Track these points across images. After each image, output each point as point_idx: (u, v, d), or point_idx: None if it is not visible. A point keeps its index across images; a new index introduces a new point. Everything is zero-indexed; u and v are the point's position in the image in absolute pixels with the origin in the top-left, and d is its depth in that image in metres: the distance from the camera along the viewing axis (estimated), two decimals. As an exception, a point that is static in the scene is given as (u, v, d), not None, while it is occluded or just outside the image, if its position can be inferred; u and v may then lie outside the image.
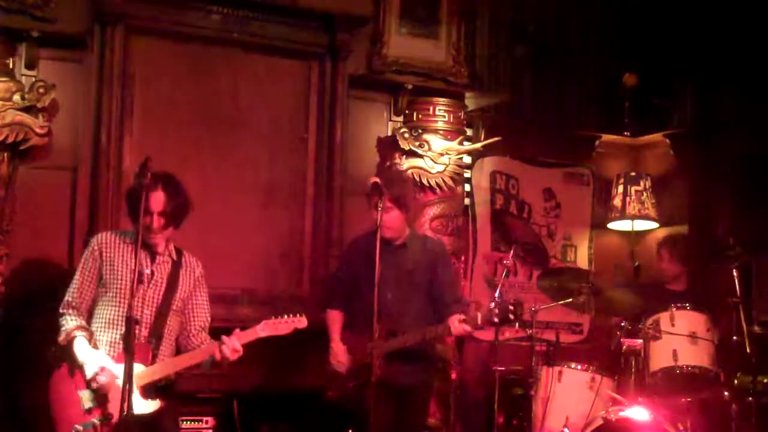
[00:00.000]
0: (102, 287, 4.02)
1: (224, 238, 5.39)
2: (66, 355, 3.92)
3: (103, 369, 3.83)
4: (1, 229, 4.93)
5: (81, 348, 3.89)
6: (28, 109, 4.96)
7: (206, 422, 5.14)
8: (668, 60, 6.80)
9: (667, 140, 6.79)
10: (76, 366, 3.88)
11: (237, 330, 4.05)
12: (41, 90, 5.00)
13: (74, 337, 3.91)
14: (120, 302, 3.97)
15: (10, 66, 5.04)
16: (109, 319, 3.98)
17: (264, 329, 4.09)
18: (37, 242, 5.08)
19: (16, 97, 4.94)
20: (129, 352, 3.54)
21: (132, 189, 3.96)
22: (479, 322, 4.38)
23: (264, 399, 5.31)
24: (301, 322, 4.15)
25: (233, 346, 3.99)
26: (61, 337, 3.94)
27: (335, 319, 4.71)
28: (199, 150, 5.44)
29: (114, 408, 3.77)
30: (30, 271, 5.02)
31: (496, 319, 4.36)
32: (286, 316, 4.14)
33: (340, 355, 4.58)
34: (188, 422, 5.05)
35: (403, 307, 4.56)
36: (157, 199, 3.92)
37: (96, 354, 3.89)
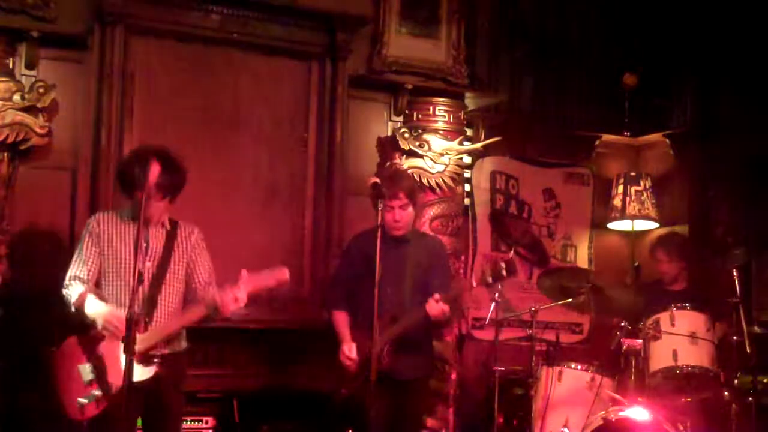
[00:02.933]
0: (103, 264, 4.07)
1: (224, 237, 5.37)
2: (78, 317, 3.98)
3: (112, 316, 3.88)
4: (1, 229, 4.93)
5: (91, 304, 3.95)
6: (28, 109, 4.96)
7: (206, 422, 5.14)
8: (668, 60, 6.80)
9: (667, 140, 6.79)
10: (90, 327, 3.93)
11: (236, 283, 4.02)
12: (41, 90, 5.00)
13: (85, 297, 3.97)
14: (122, 277, 4.03)
15: (10, 66, 5.04)
16: (112, 295, 4.03)
17: (247, 283, 4.05)
18: (37, 242, 5.07)
19: (16, 97, 4.95)
20: (129, 353, 3.54)
21: (124, 164, 4.05)
22: (474, 283, 4.50)
23: (264, 399, 5.31)
24: (283, 273, 4.11)
25: (234, 295, 3.98)
26: (74, 302, 3.98)
27: (342, 320, 4.71)
28: (199, 150, 5.43)
29: (113, 378, 3.85)
30: (30, 270, 5.02)
31: (490, 279, 4.47)
32: (265, 270, 4.11)
33: (351, 353, 4.57)
34: (188, 422, 5.04)
35: (403, 302, 4.58)
36: (153, 171, 3.94)
37: (105, 306, 3.95)
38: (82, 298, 3.98)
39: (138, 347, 3.80)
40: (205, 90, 5.50)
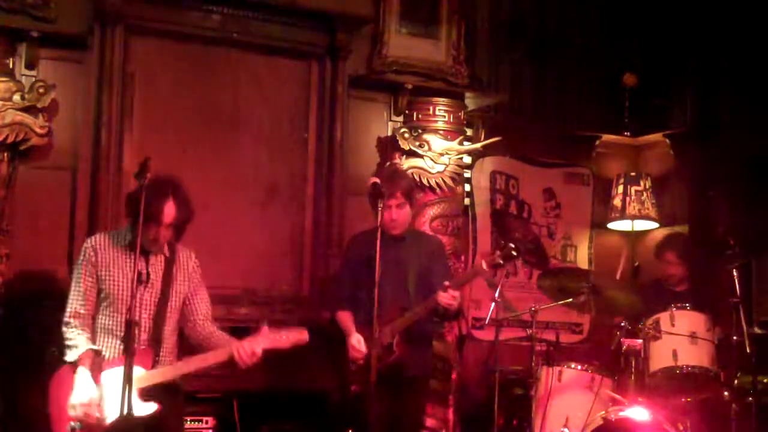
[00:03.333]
0: (99, 294, 3.97)
1: (224, 238, 5.39)
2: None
3: (86, 406, 3.77)
4: (1, 229, 4.93)
5: (81, 379, 3.81)
6: (28, 109, 4.96)
7: (206, 422, 5.13)
8: (668, 60, 6.80)
9: (667, 140, 6.79)
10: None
11: (254, 336, 3.96)
12: (41, 90, 5.00)
13: (78, 366, 3.83)
14: (118, 309, 3.94)
15: (10, 66, 5.04)
16: (108, 327, 3.95)
17: (267, 341, 3.98)
18: (37, 242, 5.07)
19: (16, 97, 4.95)
20: (129, 354, 3.54)
21: (136, 193, 3.78)
22: (485, 266, 4.50)
23: (264, 399, 5.31)
24: (303, 337, 4.04)
25: (252, 349, 3.91)
26: (71, 356, 3.86)
27: (346, 318, 4.71)
28: (199, 150, 5.44)
29: (110, 410, 3.79)
30: (30, 271, 5.02)
31: (500, 260, 4.49)
32: (285, 331, 4.04)
33: (360, 344, 4.56)
34: (188, 422, 5.04)
35: (405, 300, 4.58)
36: (169, 211, 3.85)
37: (90, 389, 3.81)
38: (79, 360, 3.83)
39: (143, 383, 3.81)
40: (205, 90, 5.50)
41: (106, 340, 3.95)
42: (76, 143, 5.19)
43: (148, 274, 3.96)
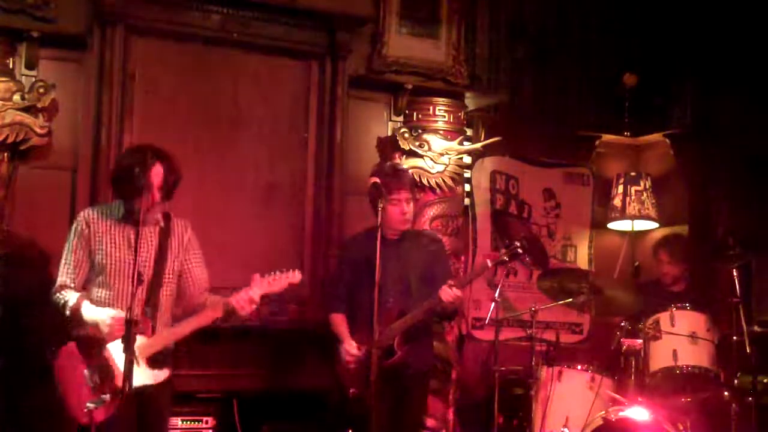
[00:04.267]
0: (93, 268, 4.01)
1: (224, 237, 5.38)
2: (74, 325, 3.94)
3: (114, 319, 3.84)
4: (1, 229, 4.93)
5: (89, 309, 3.91)
6: (28, 109, 4.96)
7: (206, 422, 5.13)
8: (668, 60, 6.80)
9: (667, 140, 6.79)
10: (87, 332, 3.90)
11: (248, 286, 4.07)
12: (41, 90, 5.00)
13: (80, 304, 3.93)
14: (112, 282, 3.98)
15: (10, 66, 5.04)
16: (102, 299, 3.98)
17: (261, 286, 4.09)
18: (37, 242, 5.07)
19: (16, 97, 4.95)
20: (129, 352, 3.55)
21: (125, 166, 3.93)
22: (489, 264, 4.55)
23: (264, 399, 5.32)
24: (295, 276, 4.16)
25: (249, 296, 4.02)
26: (69, 309, 3.93)
27: (340, 321, 4.71)
28: (199, 150, 5.44)
29: (121, 381, 3.80)
30: (30, 270, 5.01)
31: (506, 258, 4.55)
32: (277, 272, 4.14)
33: (354, 348, 4.57)
34: (188, 422, 5.05)
35: (404, 301, 4.58)
36: (157, 173, 3.92)
37: (105, 310, 3.90)
38: (78, 303, 3.94)
39: (148, 352, 3.86)
40: (205, 90, 5.50)
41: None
42: (76, 143, 5.19)
43: (143, 246, 3.97)
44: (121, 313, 3.83)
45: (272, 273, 4.12)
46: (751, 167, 6.21)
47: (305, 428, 5.28)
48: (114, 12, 5.14)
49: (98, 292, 4.01)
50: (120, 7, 5.15)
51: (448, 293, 4.43)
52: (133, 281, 3.64)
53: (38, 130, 4.98)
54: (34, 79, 5.05)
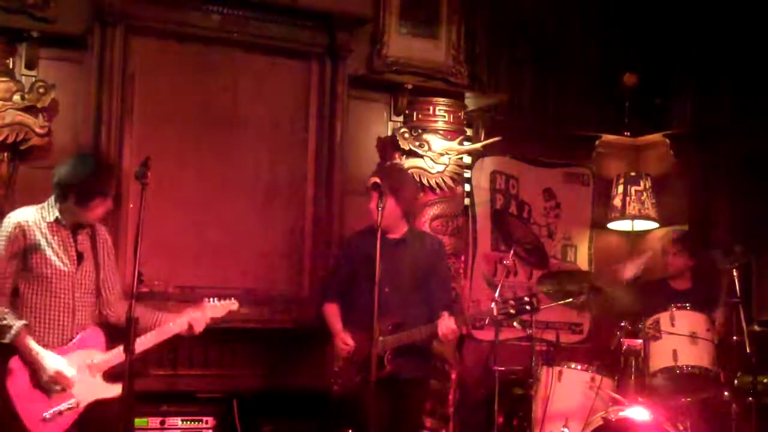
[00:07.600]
0: (26, 272, 3.94)
1: (224, 238, 5.38)
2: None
3: (60, 376, 3.81)
4: (1, 229, 4.93)
5: (33, 351, 3.82)
6: (28, 109, 4.96)
7: (206, 422, 5.13)
8: (668, 60, 6.80)
9: (667, 140, 6.79)
10: (28, 363, 3.84)
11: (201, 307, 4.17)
12: (41, 90, 5.00)
13: (24, 339, 3.84)
14: (53, 290, 3.93)
15: (10, 66, 5.04)
16: (38, 307, 3.93)
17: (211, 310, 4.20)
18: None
19: (16, 97, 4.94)
20: (129, 351, 3.54)
21: (73, 176, 3.97)
22: (495, 312, 4.46)
23: (264, 399, 5.31)
24: (233, 304, 4.28)
25: (206, 318, 4.14)
26: (9, 338, 3.83)
27: (333, 312, 4.72)
28: (199, 150, 5.43)
29: (78, 395, 3.82)
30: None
31: (512, 311, 4.46)
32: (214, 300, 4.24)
33: (346, 339, 4.56)
34: (188, 422, 5.05)
35: (401, 302, 4.56)
36: (115, 183, 4.02)
37: (52, 358, 3.84)
38: (22, 337, 3.82)
39: (103, 366, 3.89)
40: (205, 90, 5.49)
41: (38, 320, 3.92)
42: (76, 143, 5.18)
43: (79, 253, 4.00)
44: (70, 371, 3.81)
45: (211, 300, 4.25)
46: (751, 167, 6.21)
47: (305, 428, 5.27)
48: (114, 12, 5.13)
49: (34, 299, 3.93)
50: (120, 7, 5.14)
51: (445, 326, 4.40)
52: (134, 279, 3.62)
53: (38, 130, 4.97)
54: (34, 79, 5.05)
